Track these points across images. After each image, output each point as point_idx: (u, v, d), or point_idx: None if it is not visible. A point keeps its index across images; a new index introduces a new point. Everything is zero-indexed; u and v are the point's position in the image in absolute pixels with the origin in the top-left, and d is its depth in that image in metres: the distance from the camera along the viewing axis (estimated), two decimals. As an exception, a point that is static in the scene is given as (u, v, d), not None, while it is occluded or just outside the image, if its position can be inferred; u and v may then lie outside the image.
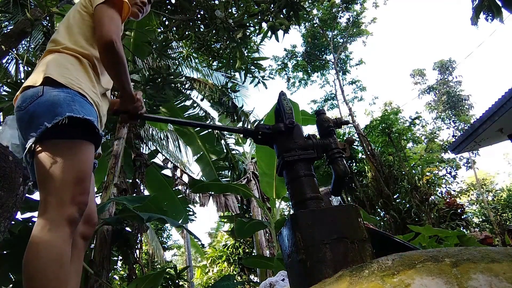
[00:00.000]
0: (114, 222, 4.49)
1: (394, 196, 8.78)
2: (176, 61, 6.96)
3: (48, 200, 1.11)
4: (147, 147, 7.85)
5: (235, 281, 5.10)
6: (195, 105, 8.51)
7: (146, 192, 6.68)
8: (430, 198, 8.41)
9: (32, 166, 1.22)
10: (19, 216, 3.74)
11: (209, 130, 8.50)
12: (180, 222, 6.27)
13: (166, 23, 4.15)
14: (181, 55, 6.68)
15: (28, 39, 4.84)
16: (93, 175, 1.44)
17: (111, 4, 1.36)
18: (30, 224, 3.56)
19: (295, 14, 3.59)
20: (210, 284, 11.10)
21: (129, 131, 5.73)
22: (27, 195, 2.74)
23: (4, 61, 5.27)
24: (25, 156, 1.21)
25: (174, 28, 4.10)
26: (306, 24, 16.11)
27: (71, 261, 1.23)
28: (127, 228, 5.06)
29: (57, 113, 1.12)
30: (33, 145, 1.15)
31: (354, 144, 10.26)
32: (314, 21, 16.26)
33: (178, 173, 8.35)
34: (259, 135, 1.50)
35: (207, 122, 8.61)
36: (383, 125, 10.03)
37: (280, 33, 3.59)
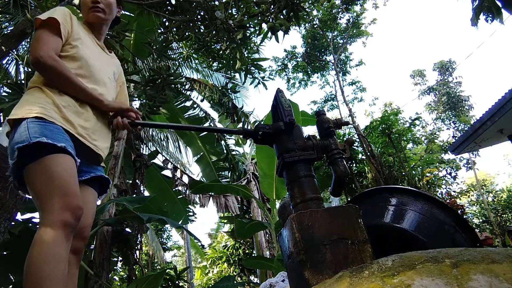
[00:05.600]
0: (114, 223, 4.49)
1: (394, 197, 8.75)
2: (176, 62, 6.96)
3: (43, 212, 1.24)
4: (147, 148, 7.85)
5: (235, 282, 5.10)
6: (195, 105, 8.51)
7: (146, 193, 6.68)
8: (430, 199, 8.38)
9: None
10: (19, 217, 3.74)
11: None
12: (180, 223, 6.27)
13: (166, 24, 4.15)
14: (181, 56, 6.68)
15: (29, 40, 4.84)
16: (93, 193, 1.54)
17: (39, 27, 1.46)
18: (30, 225, 3.55)
19: (295, 15, 3.59)
20: (210, 285, 11.09)
21: (129, 132, 5.73)
22: (27, 196, 2.74)
23: (4, 62, 5.27)
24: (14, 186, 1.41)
25: (174, 29, 4.10)
26: (306, 25, 16.11)
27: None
28: (127, 229, 5.06)
29: (13, 150, 1.27)
30: (15, 182, 1.35)
31: (354, 145, 10.26)
32: (314, 22, 16.26)
33: (178, 174, 8.35)
34: (259, 135, 1.50)
35: (207, 123, 8.61)
36: (383, 126, 10.01)
37: (280, 34, 3.60)
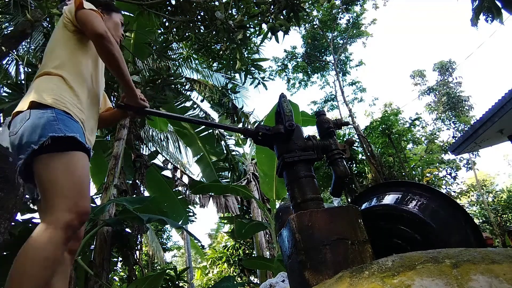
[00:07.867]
0: (114, 223, 4.48)
1: (394, 197, 8.74)
2: (176, 62, 6.96)
3: (50, 207, 1.17)
4: (147, 148, 7.85)
5: (235, 282, 5.09)
6: (195, 106, 8.52)
7: (146, 193, 6.68)
8: (430, 199, 8.38)
9: (26, 183, 1.33)
10: (19, 217, 3.74)
11: (210, 131, 8.50)
12: (180, 223, 6.27)
13: (166, 24, 4.15)
14: (181, 56, 6.68)
15: (29, 40, 4.84)
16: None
17: (88, 9, 1.46)
18: (30, 225, 3.56)
19: (295, 15, 3.59)
20: (210, 286, 11.09)
21: (129, 132, 5.73)
22: (27, 196, 2.74)
23: (4, 62, 5.27)
24: (17, 178, 1.29)
25: (174, 29, 4.10)
26: (306, 25, 16.11)
27: (57, 277, 1.28)
28: (127, 229, 5.05)
29: (41, 135, 1.20)
30: (22, 167, 1.22)
31: (354, 145, 10.26)
32: (314, 23, 16.27)
33: (178, 174, 8.34)
34: (259, 136, 1.50)
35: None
36: (383, 126, 10.01)
37: (280, 34, 3.59)
